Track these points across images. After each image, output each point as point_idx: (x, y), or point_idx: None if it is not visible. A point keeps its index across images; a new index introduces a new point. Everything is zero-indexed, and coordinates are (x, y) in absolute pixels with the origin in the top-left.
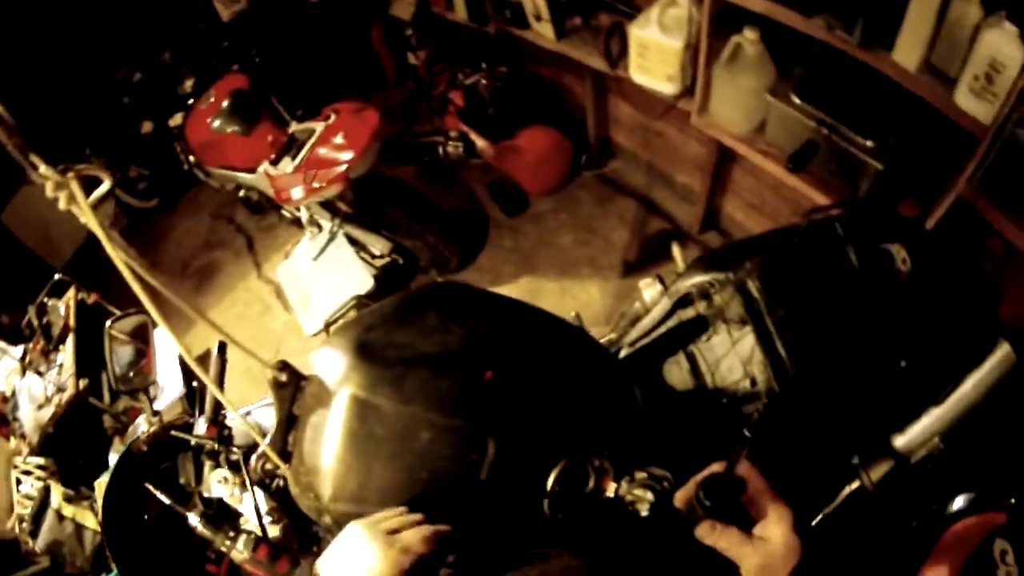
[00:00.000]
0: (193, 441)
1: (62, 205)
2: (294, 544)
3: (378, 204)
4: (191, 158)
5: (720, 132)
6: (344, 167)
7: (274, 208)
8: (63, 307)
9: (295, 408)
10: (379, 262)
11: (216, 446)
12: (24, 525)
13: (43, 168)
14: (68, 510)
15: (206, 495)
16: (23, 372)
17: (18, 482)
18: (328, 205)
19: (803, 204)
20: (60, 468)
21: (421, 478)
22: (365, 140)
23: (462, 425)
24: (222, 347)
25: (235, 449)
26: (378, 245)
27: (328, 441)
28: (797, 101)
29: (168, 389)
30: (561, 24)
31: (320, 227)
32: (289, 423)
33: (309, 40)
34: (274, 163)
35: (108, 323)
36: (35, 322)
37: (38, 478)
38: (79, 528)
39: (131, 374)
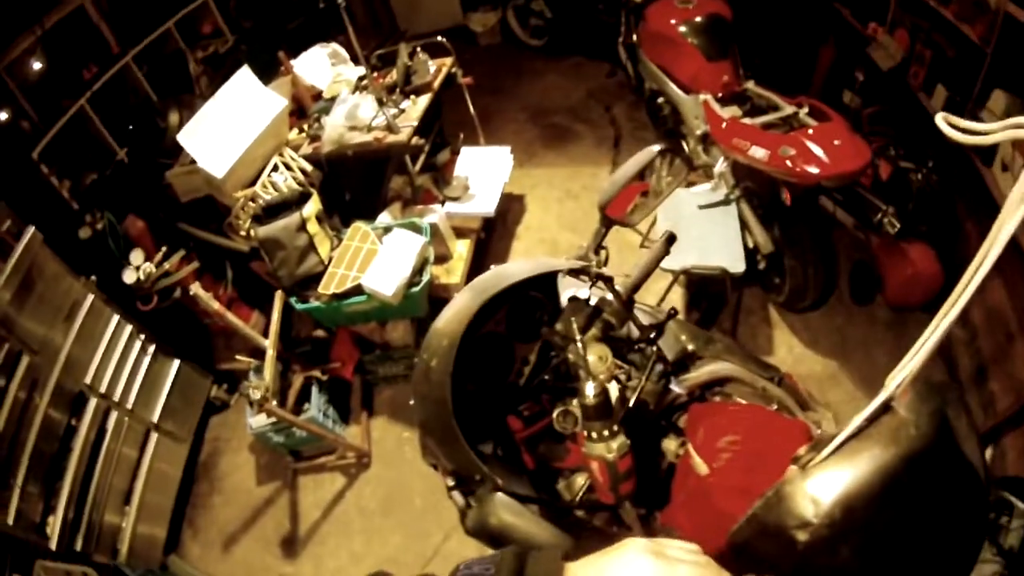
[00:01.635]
0: (598, 301)
1: None
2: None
3: (792, 210)
4: (634, 36)
5: None
6: (822, 171)
7: (667, 131)
8: (434, 67)
9: (865, 419)
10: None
11: (621, 321)
12: (252, 204)
13: None
14: (312, 226)
15: (572, 359)
16: (355, 90)
17: (275, 168)
18: (739, 172)
19: None
20: (325, 186)
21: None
22: (852, 167)
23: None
24: (671, 239)
25: (654, 349)
26: (760, 239)
27: (879, 476)
28: None
29: (476, 204)
30: None
31: (715, 182)
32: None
33: (774, 17)
34: (719, 101)
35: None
36: (401, 61)
37: (297, 179)
38: (309, 247)
39: (443, 166)
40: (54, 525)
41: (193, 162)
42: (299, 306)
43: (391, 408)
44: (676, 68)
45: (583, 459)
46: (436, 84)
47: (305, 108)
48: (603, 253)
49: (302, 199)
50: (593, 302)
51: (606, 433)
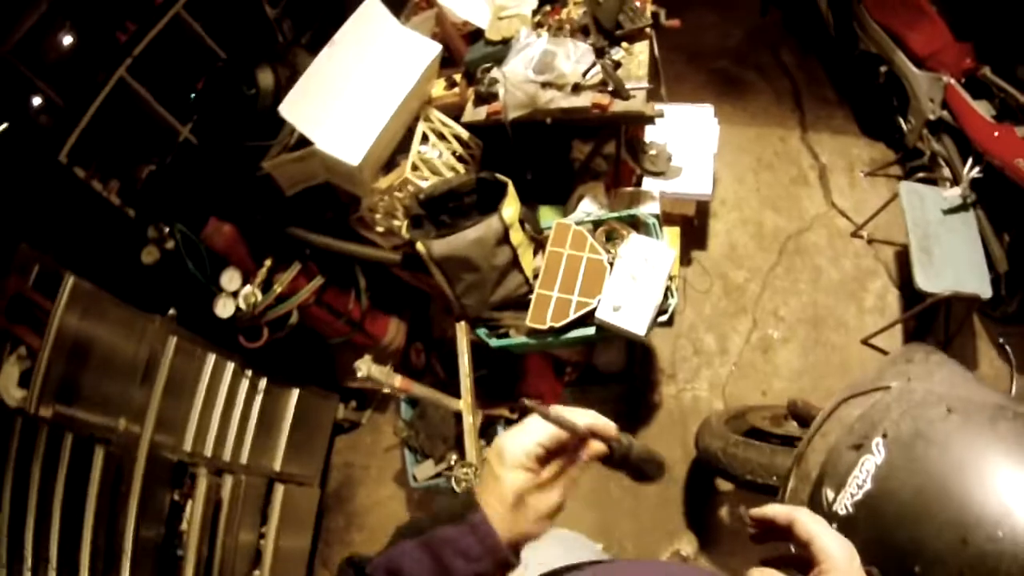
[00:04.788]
0: None
1: None
2: None
3: None
4: None
5: None
6: None
7: (874, 102)
8: (638, 3)
9: None
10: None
11: None
12: (399, 194)
13: None
14: (516, 235)
15: None
16: (535, 29)
17: (423, 139)
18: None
19: None
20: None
21: None
22: None
23: None
24: None
25: None
26: (997, 253)
27: None
28: None
29: (688, 182)
30: None
31: (964, 188)
32: None
33: None
34: (964, 86)
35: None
36: None
37: (456, 153)
38: (512, 264)
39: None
40: None
41: (301, 144)
42: (495, 342)
43: None
44: (912, 37)
45: None
46: (649, 29)
47: (454, 55)
48: None
49: (484, 187)
50: None
51: None
